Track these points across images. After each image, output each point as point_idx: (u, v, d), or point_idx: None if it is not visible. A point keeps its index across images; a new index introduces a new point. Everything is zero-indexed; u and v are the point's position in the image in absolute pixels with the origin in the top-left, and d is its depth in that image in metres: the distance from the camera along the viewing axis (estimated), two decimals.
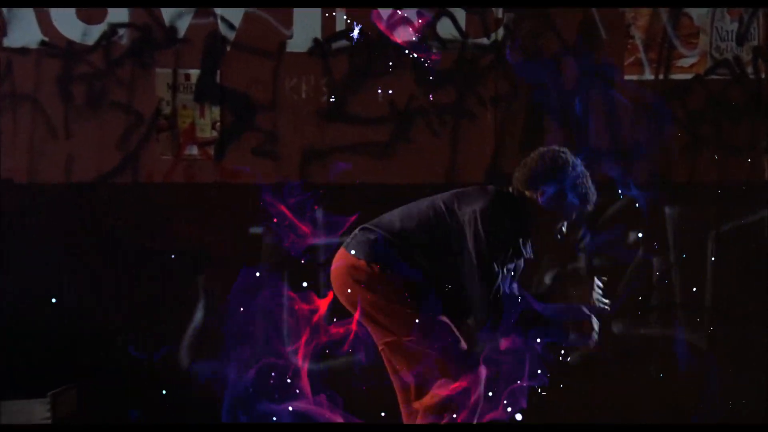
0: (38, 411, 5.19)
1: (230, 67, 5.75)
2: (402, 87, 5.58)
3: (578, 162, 3.61)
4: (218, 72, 5.75)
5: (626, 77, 5.84)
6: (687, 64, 5.81)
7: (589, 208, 3.58)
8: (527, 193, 3.47)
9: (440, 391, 3.42)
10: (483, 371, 3.52)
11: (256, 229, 5.72)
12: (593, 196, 3.58)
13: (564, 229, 3.58)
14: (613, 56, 5.82)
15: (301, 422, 3.70)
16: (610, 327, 5.71)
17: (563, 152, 3.58)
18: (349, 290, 3.51)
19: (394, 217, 3.56)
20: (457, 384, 3.38)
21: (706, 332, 5.80)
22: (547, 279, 5.71)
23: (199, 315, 5.69)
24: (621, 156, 5.85)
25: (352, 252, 3.53)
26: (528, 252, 3.59)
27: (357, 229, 3.59)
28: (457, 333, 3.58)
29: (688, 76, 5.83)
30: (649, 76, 5.84)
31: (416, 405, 3.49)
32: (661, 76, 5.87)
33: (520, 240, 3.44)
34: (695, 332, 5.78)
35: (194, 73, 5.75)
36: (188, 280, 5.72)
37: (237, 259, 5.74)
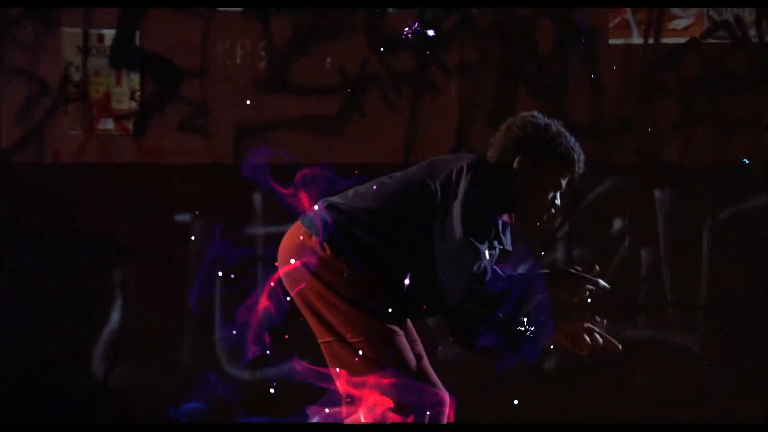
0: None
1: (152, 27, 5.73)
2: (353, 52, 5.55)
3: (553, 122, 3.62)
4: (137, 33, 5.73)
5: (611, 41, 5.82)
6: (681, 26, 5.79)
7: (578, 170, 3.56)
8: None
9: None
10: (446, 398, 3.45)
11: (182, 217, 5.72)
12: (578, 155, 3.55)
13: (557, 201, 3.54)
14: (596, 17, 5.80)
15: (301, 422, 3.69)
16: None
17: (533, 116, 3.59)
18: (293, 268, 3.47)
19: (359, 192, 3.50)
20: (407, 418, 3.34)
21: (701, 335, 5.84)
22: (520, 269, 5.71)
23: (115, 316, 5.70)
24: (604, 132, 5.83)
25: (306, 227, 3.46)
26: (507, 241, 3.53)
27: (320, 201, 3.53)
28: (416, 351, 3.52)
29: (682, 40, 5.81)
30: (637, 39, 5.83)
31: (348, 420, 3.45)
32: (650, 40, 5.85)
33: (501, 219, 3.41)
34: (688, 335, 5.82)
35: (109, 33, 5.72)
36: (103, 276, 5.72)
37: (160, 251, 5.76)
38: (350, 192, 3.53)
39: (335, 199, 3.52)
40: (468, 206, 3.22)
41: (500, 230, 3.39)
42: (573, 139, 3.54)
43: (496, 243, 3.40)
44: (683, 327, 5.79)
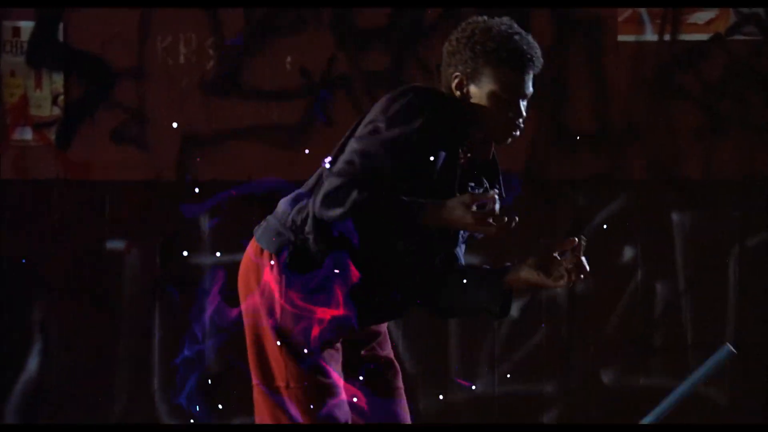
0: None
1: (78, 18, 5.42)
2: (318, 49, 5.34)
3: (492, 20, 3.24)
4: (61, 25, 5.42)
5: (620, 37, 5.58)
6: (703, 21, 5.55)
7: (534, 69, 3.14)
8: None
9: None
10: None
11: (115, 243, 5.43)
12: (529, 48, 3.12)
13: (523, 109, 3.17)
14: (603, 9, 5.55)
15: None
16: (599, 376, 5.55)
17: (466, 22, 3.27)
18: (247, 295, 3.21)
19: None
20: None
21: (728, 383, 5.50)
22: (515, 310, 5.53)
23: (32, 362, 5.39)
24: (611, 142, 5.58)
25: (256, 237, 3.26)
26: (495, 188, 3.26)
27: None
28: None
29: (705, 37, 5.56)
30: (651, 36, 5.57)
31: None
32: (667, 37, 5.59)
33: (459, 150, 3.10)
34: (713, 383, 5.43)
35: (26, 26, 5.42)
36: (19, 314, 5.41)
37: (88, 284, 5.46)
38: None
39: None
40: (404, 141, 2.91)
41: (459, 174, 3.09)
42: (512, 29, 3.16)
43: (473, 186, 3.12)
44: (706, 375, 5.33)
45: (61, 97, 5.36)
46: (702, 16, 5.51)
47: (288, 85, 5.28)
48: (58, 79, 5.37)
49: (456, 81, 3.10)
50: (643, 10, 5.52)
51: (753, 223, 5.60)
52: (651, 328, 5.57)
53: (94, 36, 5.35)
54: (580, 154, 5.69)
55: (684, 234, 5.57)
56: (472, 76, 3.05)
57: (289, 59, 5.26)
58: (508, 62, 3.02)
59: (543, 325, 5.63)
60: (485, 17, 3.20)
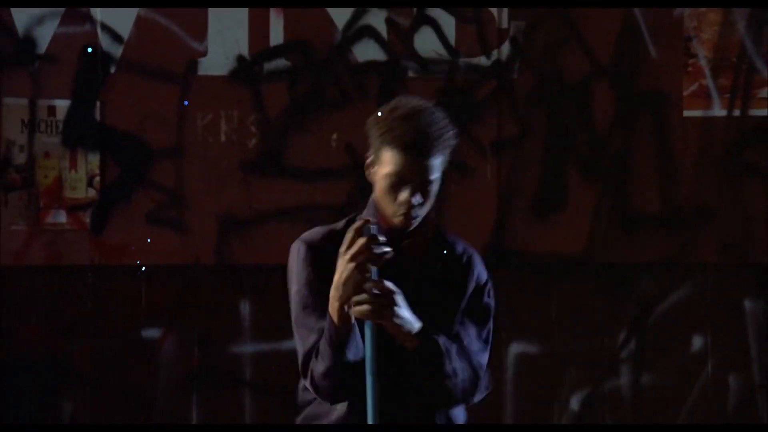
0: None
1: (115, 96, 5.29)
2: (365, 125, 5.05)
3: (402, 100, 3.23)
4: (98, 104, 5.29)
5: (686, 113, 5.43)
6: None
7: (420, 154, 3.14)
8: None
9: None
10: None
11: (151, 332, 5.28)
12: (416, 132, 3.12)
13: (408, 195, 3.17)
14: (668, 82, 5.44)
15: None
16: None
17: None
18: None
19: None
20: None
21: None
22: (574, 403, 5.48)
23: None
24: (679, 224, 5.44)
25: None
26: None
27: None
28: None
29: None
30: (719, 111, 5.46)
31: None
32: (737, 112, 5.48)
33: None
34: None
35: (62, 105, 5.27)
36: (49, 408, 5.21)
37: (122, 376, 5.26)
38: None
39: None
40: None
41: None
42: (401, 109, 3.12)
43: None
44: None
45: (97, 179, 5.21)
46: None
47: (333, 163, 5.21)
48: (94, 160, 5.23)
49: (368, 161, 3.14)
50: (710, 84, 5.36)
51: None
52: (724, 425, 5.30)
53: (131, 114, 5.23)
54: (645, 236, 5.56)
55: (758, 322, 5.41)
56: (375, 157, 3.12)
57: (334, 136, 5.20)
58: (393, 145, 3.05)
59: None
60: (404, 98, 3.21)
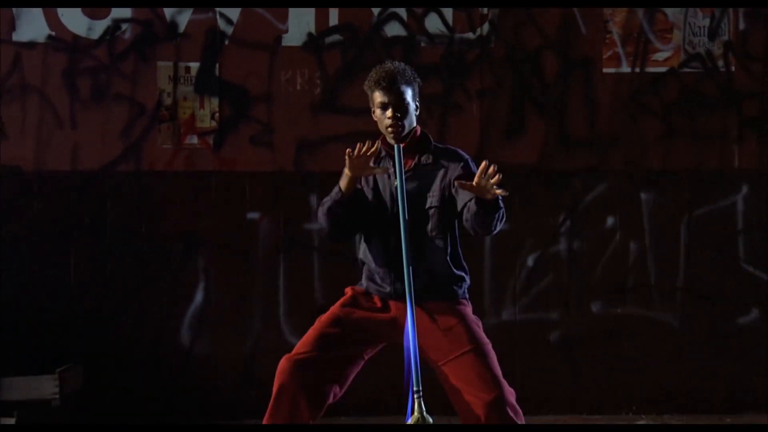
0: (47, 387, 5.83)
1: (228, 60, 6.22)
2: None
3: (385, 63, 4.03)
4: (217, 65, 6.21)
5: (605, 70, 6.30)
6: (662, 58, 6.28)
7: (386, 88, 3.93)
8: None
9: None
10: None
11: (253, 215, 6.21)
12: (382, 74, 3.94)
13: (389, 115, 3.92)
14: (592, 50, 6.33)
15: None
16: (590, 307, 6.30)
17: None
18: None
19: None
20: None
21: (680, 312, 6.33)
22: (530, 261, 6.31)
23: (199, 296, 6.22)
24: (598, 144, 6.33)
25: None
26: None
27: None
28: None
29: (663, 69, 6.30)
30: (626, 69, 6.29)
31: None
32: (637, 69, 6.32)
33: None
34: (669, 312, 6.33)
35: (194, 66, 6.21)
36: (189, 264, 6.24)
37: (235, 243, 6.23)
38: None
39: None
40: None
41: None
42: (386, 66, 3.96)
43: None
44: (665, 306, 6.32)
45: (217, 115, 6.09)
46: (661, 54, 6.22)
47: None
48: (215, 102, 6.11)
49: (371, 110, 4.01)
50: (620, 51, 6.18)
51: (698, 200, 6.26)
52: (625, 274, 6.30)
53: (238, 72, 6.16)
54: (577, 151, 6.36)
55: (649, 208, 6.28)
56: (371, 103, 4.02)
57: None
58: (374, 86, 3.97)
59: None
60: (388, 62, 4.02)
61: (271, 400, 3.98)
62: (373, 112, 3.98)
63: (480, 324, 4.03)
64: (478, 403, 3.79)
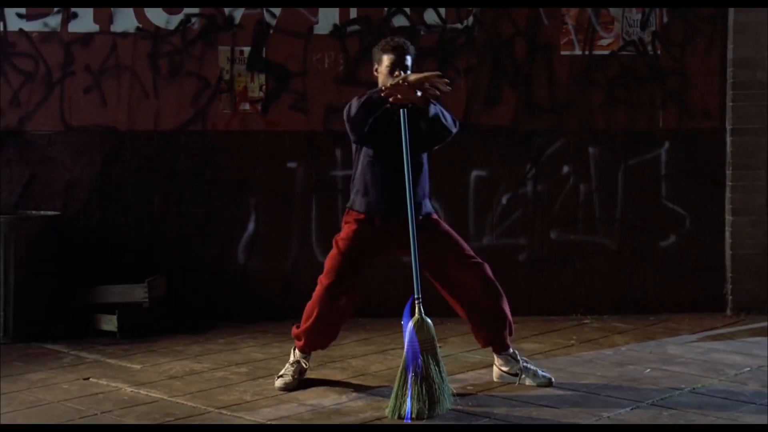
0: (139, 292, 7.13)
1: (273, 45, 7.34)
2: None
3: (388, 37, 4.97)
4: (264, 49, 7.32)
5: (562, 53, 7.42)
6: (605, 44, 7.38)
7: (395, 52, 4.85)
8: None
9: None
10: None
11: (291, 164, 7.43)
12: (392, 43, 4.86)
13: (395, 73, 4.78)
14: (552, 37, 7.43)
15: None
16: (549, 234, 7.46)
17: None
18: None
19: None
20: None
21: (617, 237, 7.48)
22: (504, 200, 7.41)
23: (251, 226, 7.41)
24: (558, 110, 7.44)
25: None
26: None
27: None
28: None
29: (606, 53, 7.40)
30: (578, 52, 7.38)
31: None
32: (587, 52, 7.40)
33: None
34: (610, 238, 7.50)
35: (246, 49, 7.32)
36: (243, 201, 7.40)
37: (278, 185, 7.39)
38: None
39: None
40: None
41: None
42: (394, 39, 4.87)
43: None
44: (606, 233, 7.47)
45: (264, 87, 7.15)
46: (605, 41, 7.18)
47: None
48: (262, 77, 7.18)
49: (374, 69, 4.86)
50: (574, 38, 6.98)
51: (632, 153, 7.31)
52: (577, 209, 7.37)
53: (281, 54, 7.24)
54: (541, 114, 7.43)
55: (596, 159, 7.42)
56: (377, 63, 4.90)
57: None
58: (386, 49, 4.87)
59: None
60: (390, 37, 4.90)
61: (313, 320, 5.01)
62: (377, 70, 4.91)
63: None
64: (468, 263, 4.91)
